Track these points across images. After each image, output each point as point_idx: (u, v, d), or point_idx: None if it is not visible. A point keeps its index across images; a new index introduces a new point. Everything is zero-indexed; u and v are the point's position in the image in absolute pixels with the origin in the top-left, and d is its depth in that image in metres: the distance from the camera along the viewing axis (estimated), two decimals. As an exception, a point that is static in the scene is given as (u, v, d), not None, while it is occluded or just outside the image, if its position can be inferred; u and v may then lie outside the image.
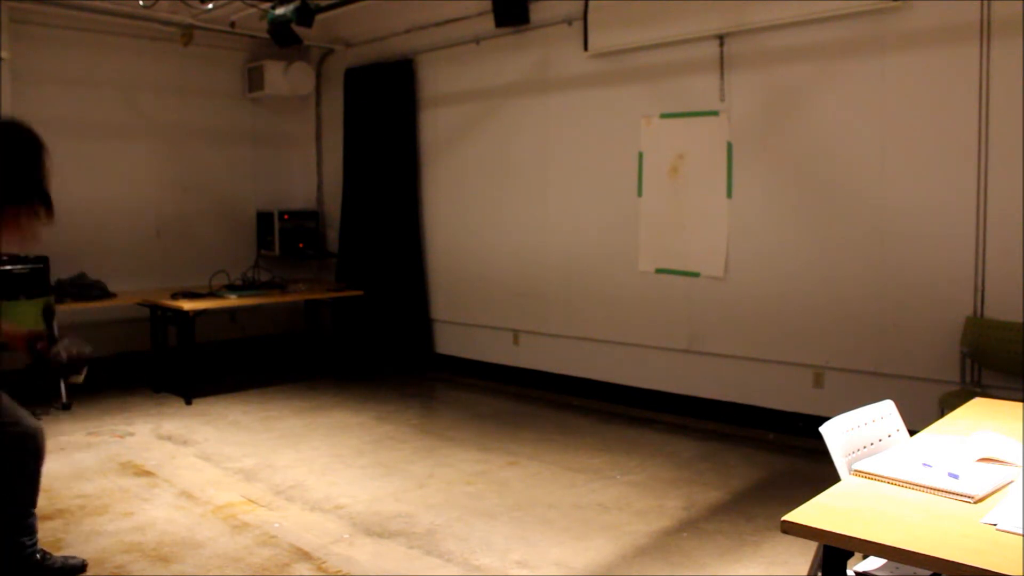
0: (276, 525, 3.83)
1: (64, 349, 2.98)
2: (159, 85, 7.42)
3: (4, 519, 3.15)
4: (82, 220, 6.86)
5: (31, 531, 3.21)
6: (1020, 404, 2.79)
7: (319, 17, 6.31)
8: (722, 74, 5.37)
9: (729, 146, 5.37)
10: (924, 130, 4.61)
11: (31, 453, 3.13)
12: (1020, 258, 4.28)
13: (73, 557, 3.39)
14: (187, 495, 4.23)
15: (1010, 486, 2.01)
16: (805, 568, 2.83)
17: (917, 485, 2.00)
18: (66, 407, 5.83)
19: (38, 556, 3.25)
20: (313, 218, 8.24)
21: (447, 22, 6.88)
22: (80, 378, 3.09)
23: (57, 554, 3.38)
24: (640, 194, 5.84)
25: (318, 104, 8.39)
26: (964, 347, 4.46)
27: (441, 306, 7.28)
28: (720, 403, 5.52)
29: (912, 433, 2.53)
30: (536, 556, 3.51)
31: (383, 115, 7.49)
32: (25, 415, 3.11)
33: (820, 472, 2.87)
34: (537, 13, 6.17)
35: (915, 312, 4.68)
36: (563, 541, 3.66)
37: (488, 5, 5.94)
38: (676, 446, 5.08)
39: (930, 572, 1.79)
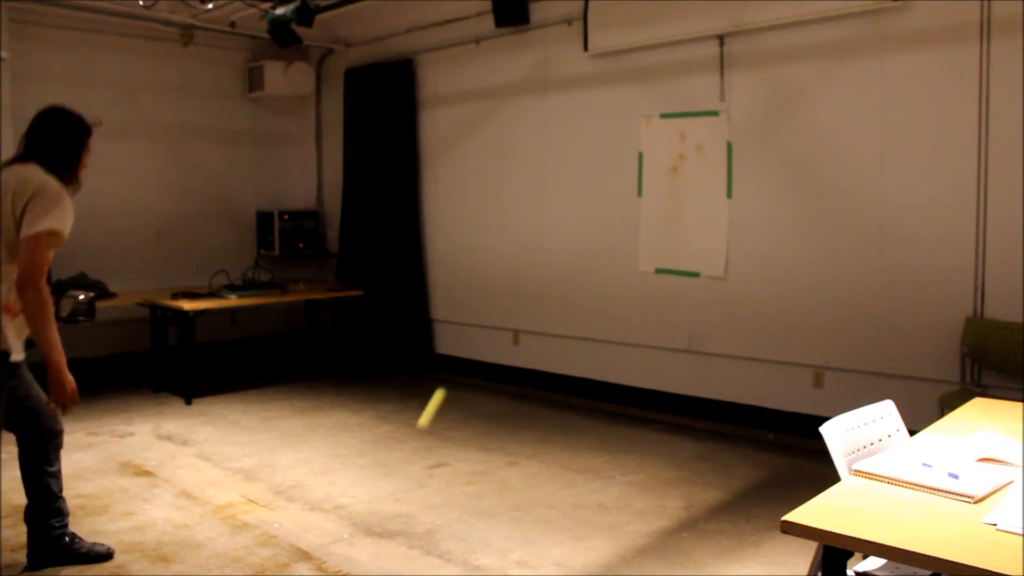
0: (276, 525, 3.83)
1: (69, 304, 3.20)
2: (159, 85, 7.42)
3: (32, 501, 3.28)
4: (82, 220, 6.76)
5: (60, 514, 3.33)
6: (1020, 404, 2.79)
7: (319, 17, 6.31)
8: (722, 74, 5.37)
9: (729, 146, 5.37)
10: (924, 130, 4.61)
11: (46, 434, 3.24)
12: (1020, 258, 4.28)
13: (101, 544, 3.48)
14: (187, 495, 4.23)
15: (1010, 486, 2.01)
16: (805, 568, 2.83)
17: (917, 485, 2.00)
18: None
19: (66, 539, 3.35)
20: (313, 218, 8.24)
21: (447, 22, 6.89)
22: (90, 322, 3.29)
23: (87, 541, 3.46)
24: (640, 194, 5.84)
25: (318, 104, 8.39)
26: (964, 347, 4.46)
27: (441, 306, 7.28)
28: (720, 403, 5.52)
29: (912, 433, 2.53)
30: (536, 556, 3.51)
31: (383, 115, 7.49)
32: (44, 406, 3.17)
33: (820, 472, 2.87)
34: (537, 13, 6.17)
35: (915, 312, 4.68)
36: (563, 541, 3.66)
37: (488, 5, 5.94)
38: (676, 446, 5.08)
39: (930, 572, 1.79)
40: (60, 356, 2.98)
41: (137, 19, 6.84)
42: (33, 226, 2.94)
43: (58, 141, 3.16)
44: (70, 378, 3.02)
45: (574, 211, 6.26)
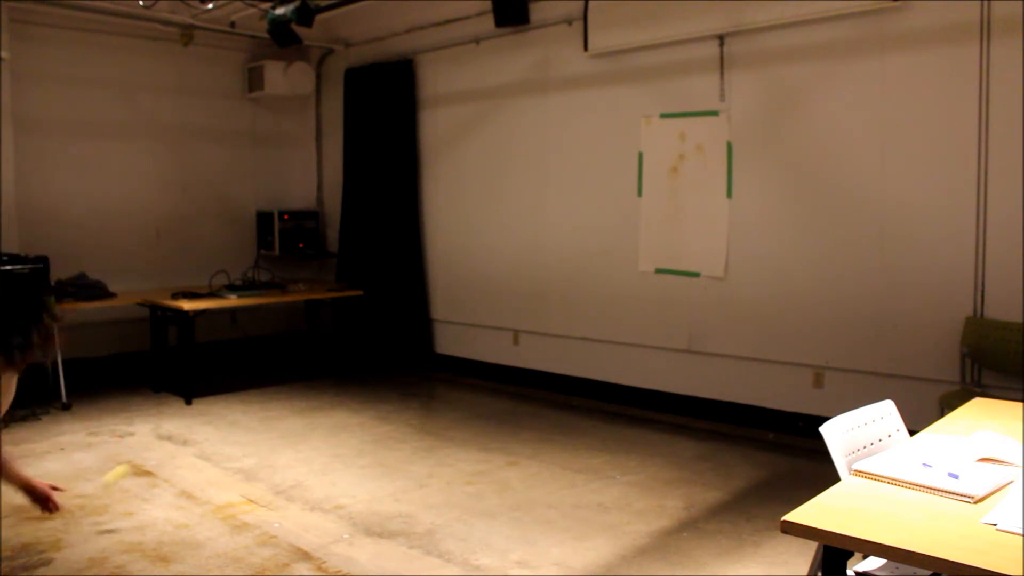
0: (276, 525, 3.83)
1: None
2: (158, 85, 7.42)
3: None
4: (82, 220, 6.86)
5: None
6: (1020, 404, 2.79)
7: (319, 17, 6.31)
8: (722, 74, 5.37)
9: (729, 146, 5.37)
10: (924, 130, 4.61)
11: None
12: (1020, 258, 4.28)
13: None
14: (187, 495, 4.23)
15: (1010, 486, 2.01)
16: (805, 568, 2.83)
17: (917, 485, 2.00)
18: (66, 407, 5.83)
19: None
20: (313, 218, 8.24)
21: (447, 22, 6.88)
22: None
23: None
24: (640, 194, 5.84)
25: (318, 104, 8.39)
26: (964, 347, 4.46)
27: (441, 306, 7.28)
28: (720, 403, 5.52)
29: (912, 433, 2.53)
30: (536, 556, 3.51)
31: (383, 115, 7.49)
32: None
33: (820, 472, 2.87)
34: (537, 13, 6.16)
35: (915, 312, 4.68)
36: (563, 541, 3.66)
37: (488, 5, 5.93)
38: (676, 446, 5.08)
39: (930, 572, 1.79)
40: (22, 478, 2.94)
41: (137, 19, 6.83)
42: None
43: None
44: (38, 486, 2.98)
45: (574, 211, 6.25)
